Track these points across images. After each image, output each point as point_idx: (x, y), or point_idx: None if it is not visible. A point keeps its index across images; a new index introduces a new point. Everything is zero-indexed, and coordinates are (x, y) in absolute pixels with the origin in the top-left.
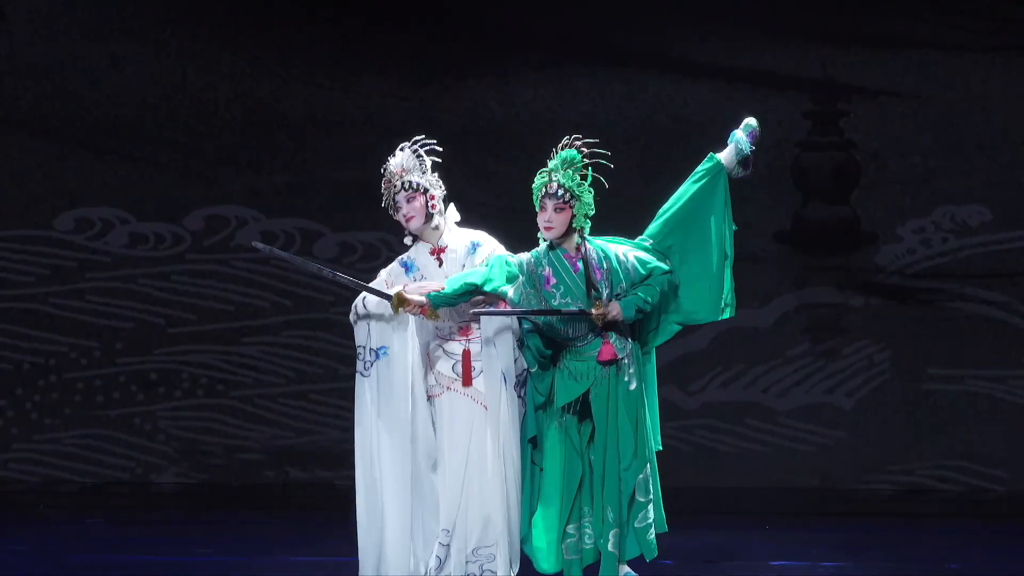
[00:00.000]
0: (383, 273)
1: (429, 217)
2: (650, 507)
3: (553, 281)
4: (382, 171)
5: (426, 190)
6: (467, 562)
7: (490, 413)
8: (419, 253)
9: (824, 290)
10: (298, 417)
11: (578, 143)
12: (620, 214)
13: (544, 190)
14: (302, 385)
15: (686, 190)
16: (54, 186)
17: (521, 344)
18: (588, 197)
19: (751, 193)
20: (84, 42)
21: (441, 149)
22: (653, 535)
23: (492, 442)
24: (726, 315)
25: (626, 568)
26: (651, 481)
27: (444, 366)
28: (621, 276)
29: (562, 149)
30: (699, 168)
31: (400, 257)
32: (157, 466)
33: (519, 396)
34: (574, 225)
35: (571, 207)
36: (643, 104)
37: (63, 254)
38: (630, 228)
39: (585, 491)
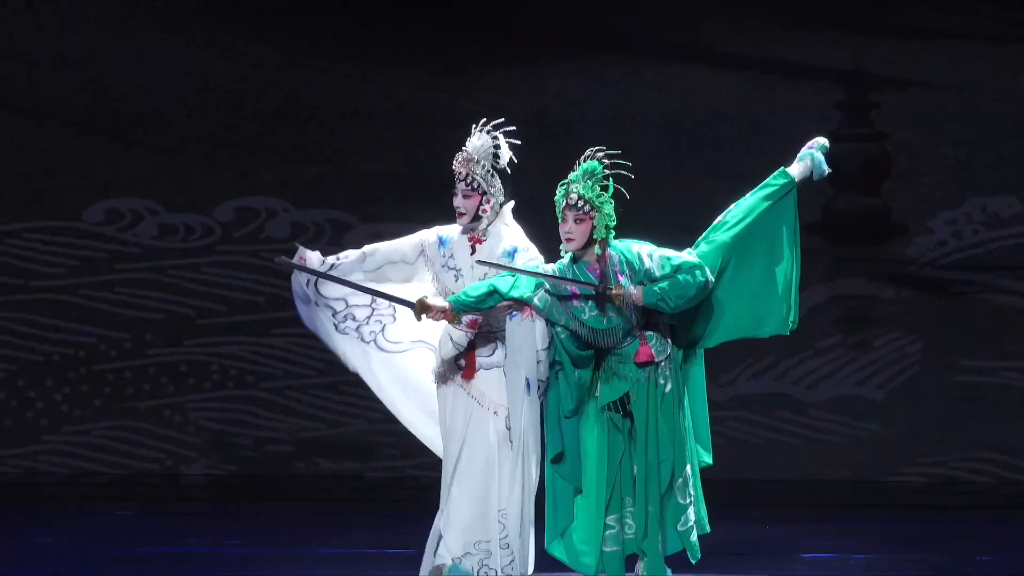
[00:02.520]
0: (419, 235)
1: (478, 218)
2: (691, 510)
3: (580, 296)
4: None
5: (484, 192)
6: (466, 554)
7: (512, 419)
8: (459, 234)
9: (855, 282)
10: (328, 409)
11: (600, 155)
12: (650, 204)
13: (564, 201)
14: (332, 377)
15: (757, 205)
16: (84, 177)
17: (548, 352)
18: (609, 208)
19: None
20: (113, 33)
21: (511, 154)
22: (696, 537)
23: (496, 439)
24: (791, 327)
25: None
26: (691, 483)
27: (449, 357)
28: (642, 276)
29: (584, 161)
30: (771, 182)
31: (438, 229)
32: (187, 458)
33: (541, 403)
34: (595, 236)
35: (591, 218)
36: (673, 95)
37: (93, 245)
38: (660, 218)
39: (627, 482)
